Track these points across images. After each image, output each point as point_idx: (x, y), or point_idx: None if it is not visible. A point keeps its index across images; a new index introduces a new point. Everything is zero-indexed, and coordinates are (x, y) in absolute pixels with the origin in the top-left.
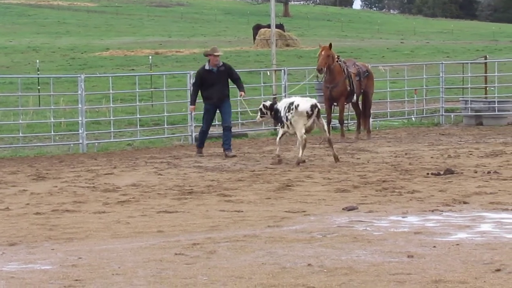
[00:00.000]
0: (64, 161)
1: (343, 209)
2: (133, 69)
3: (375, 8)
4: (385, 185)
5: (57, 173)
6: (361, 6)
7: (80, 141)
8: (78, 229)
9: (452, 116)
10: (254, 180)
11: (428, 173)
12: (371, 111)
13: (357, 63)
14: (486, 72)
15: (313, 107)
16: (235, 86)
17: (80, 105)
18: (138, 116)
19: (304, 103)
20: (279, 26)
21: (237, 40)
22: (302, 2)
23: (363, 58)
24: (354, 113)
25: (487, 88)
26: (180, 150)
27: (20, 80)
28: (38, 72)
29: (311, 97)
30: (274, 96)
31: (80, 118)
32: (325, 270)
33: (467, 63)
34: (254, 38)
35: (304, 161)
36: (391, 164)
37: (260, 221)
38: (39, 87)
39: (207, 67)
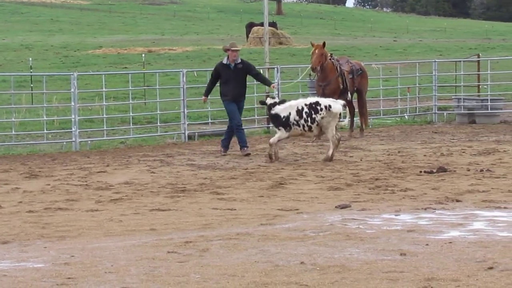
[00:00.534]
0: (57, 159)
1: (336, 207)
2: (126, 67)
3: (368, 6)
4: (378, 183)
5: (49, 171)
6: (354, 4)
7: (73, 139)
8: (70, 227)
9: (445, 114)
10: (247, 178)
11: (421, 171)
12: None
13: (351, 61)
14: (479, 70)
15: (344, 106)
16: (259, 82)
17: (73, 103)
18: (131, 114)
19: (335, 104)
20: (272, 24)
21: (230, 38)
22: (295, 0)
23: (356, 56)
24: (348, 111)
25: (480, 86)
26: (173, 148)
27: (13, 78)
28: (31, 70)
29: (303, 95)
30: (267, 94)
31: (73, 116)
32: (318, 268)
33: (460, 61)
34: (247, 36)
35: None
36: (384, 162)
37: (253, 219)
38: (32, 85)
39: (224, 62)
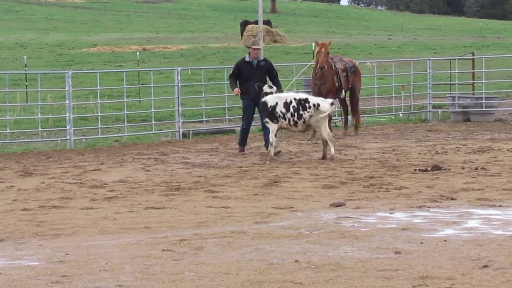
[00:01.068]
0: (52, 157)
1: (330, 205)
2: (120, 65)
3: (362, 5)
4: (372, 181)
5: (44, 169)
6: (348, 2)
7: (68, 137)
8: (65, 225)
9: (439, 112)
10: (241, 176)
11: (415, 169)
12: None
13: (344, 59)
14: (473, 68)
15: (332, 105)
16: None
17: (67, 101)
18: (125, 112)
19: (323, 103)
20: (267, 22)
21: (225, 36)
22: None
23: (351, 54)
24: (341, 109)
25: (475, 84)
26: (167, 146)
27: (8, 76)
28: (26, 68)
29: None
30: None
31: (67, 114)
32: (312, 266)
33: (455, 59)
34: (242, 34)
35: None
36: (378, 160)
37: (247, 217)
38: (26, 83)
39: (247, 59)
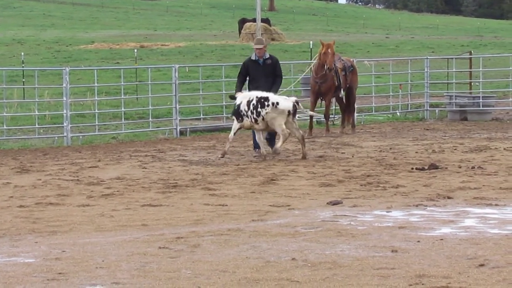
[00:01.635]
0: (48, 154)
1: (327, 203)
2: (118, 62)
3: (360, 3)
4: (369, 179)
5: (41, 166)
6: (346, 1)
7: (65, 134)
8: (61, 222)
9: (436, 111)
10: (238, 174)
11: (412, 168)
12: (356, 106)
13: (342, 58)
14: (470, 68)
15: (295, 106)
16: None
17: (64, 98)
18: (123, 109)
19: (284, 101)
20: (265, 20)
21: (223, 34)
22: None
23: (349, 52)
24: (339, 107)
25: (472, 84)
26: (164, 144)
27: (5, 72)
28: (23, 65)
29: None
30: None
31: (64, 111)
32: (309, 265)
33: (452, 58)
34: (240, 32)
35: (279, 153)
36: (375, 159)
37: (244, 215)
38: (23, 80)
39: (253, 57)
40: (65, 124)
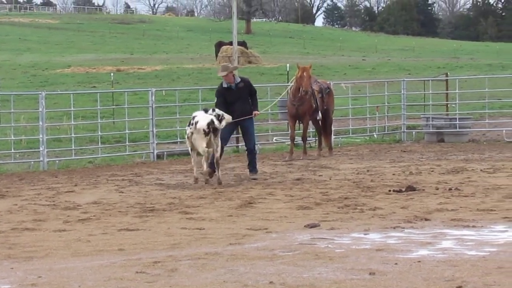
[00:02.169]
0: (25, 178)
1: (305, 226)
2: (94, 86)
3: (337, 26)
4: (347, 202)
5: (17, 191)
6: (323, 23)
7: (41, 159)
8: (38, 248)
9: (413, 133)
10: (216, 198)
11: (390, 190)
12: (333, 128)
13: (319, 80)
14: (447, 89)
15: (209, 124)
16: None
17: (40, 123)
18: (99, 133)
19: (202, 120)
20: (241, 43)
21: (199, 57)
22: (264, 20)
23: (325, 75)
24: (315, 130)
25: (448, 105)
26: (141, 168)
27: None
28: None
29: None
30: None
31: (40, 136)
32: None
33: (429, 80)
34: (216, 55)
35: (209, 175)
36: (353, 181)
37: (221, 239)
38: None
39: (224, 85)
40: (41, 149)
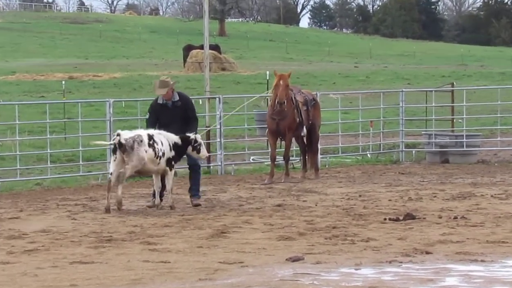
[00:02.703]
0: None
1: (286, 259)
2: (43, 96)
3: (325, 27)
4: (335, 232)
5: None
6: (309, 24)
7: None
8: None
9: (413, 152)
10: (183, 226)
11: (385, 218)
12: (319, 146)
13: (303, 91)
14: (453, 102)
15: (115, 145)
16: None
17: None
18: (48, 150)
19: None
20: (214, 47)
21: (165, 63)
22: (240, 20)
23: (311, 84)
24: (299, 148)
25: (454, 120)
26: (97, 191)
27: None
28: None
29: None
30: (207, 128)
31: None
32: None
33: (431, 91)
34: (185, 61)
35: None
36: (342, 208)
37: (190, 273)
38: None
39: (159, 101)
40: None
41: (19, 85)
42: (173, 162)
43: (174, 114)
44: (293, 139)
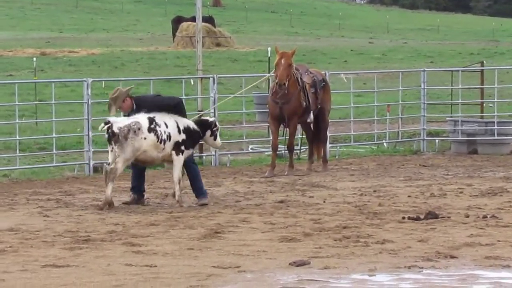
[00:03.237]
0: None
1: (290, 264)
2: (11, 75)
3: None
4: (346, 232)
5: None
6: None
7: None
8: None
9: (436, 141)
10: (171, 225)
11: (404, 217)
12: (328, 134)
13: (311, 70)
14: (482, 84)
15: (109, 134)
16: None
17: None
18: (17, 137)
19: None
20: (208, 19)
21: (151, 37)
22: None
23: (319, 63)
24: (305, 136)
25: (484, 105)
26: (73, 184)
27: None
28: None
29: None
30: (200, 112)
31: None
32: None
33: (458, 70)
34: (174, 35)
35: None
36: (354, 205)
37: (179, 279)
38: None
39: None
40: None
41: None
42: (182, 147)
43: None
44: (299, 126)
